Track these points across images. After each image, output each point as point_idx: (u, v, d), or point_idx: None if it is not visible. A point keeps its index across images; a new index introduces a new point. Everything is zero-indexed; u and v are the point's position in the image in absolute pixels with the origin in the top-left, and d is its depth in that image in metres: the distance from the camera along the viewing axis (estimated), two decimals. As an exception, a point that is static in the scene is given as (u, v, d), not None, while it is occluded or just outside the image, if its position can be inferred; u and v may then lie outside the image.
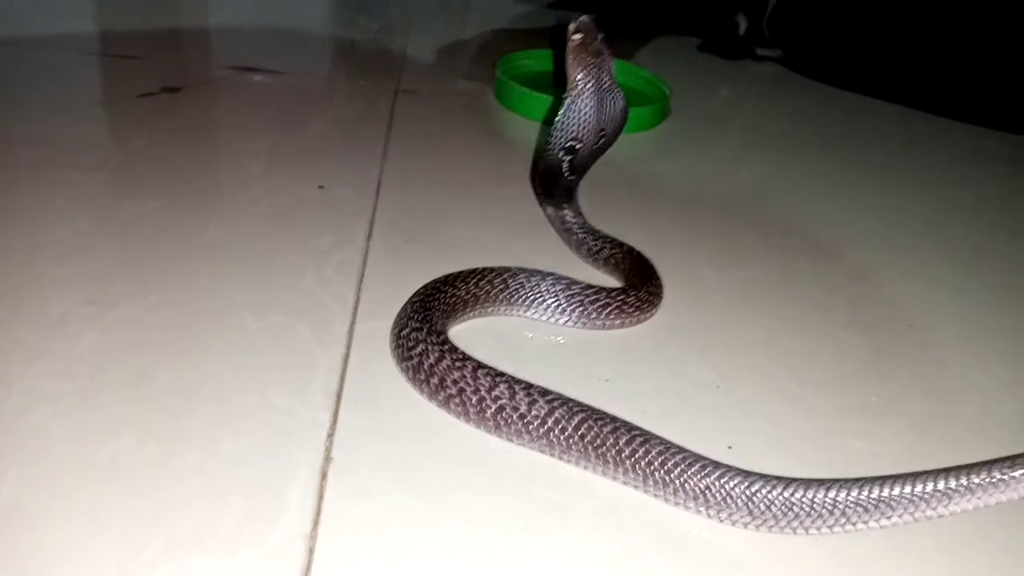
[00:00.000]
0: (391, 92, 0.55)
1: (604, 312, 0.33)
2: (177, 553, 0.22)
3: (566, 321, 0.33)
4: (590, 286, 0.33)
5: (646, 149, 0.51)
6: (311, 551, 0.22)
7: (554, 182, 0.36)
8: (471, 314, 0.32)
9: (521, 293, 0.33)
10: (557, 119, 0.35)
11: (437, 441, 0.27)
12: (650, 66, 0.59)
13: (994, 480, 0.25)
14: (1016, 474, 0.25)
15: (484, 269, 0.33)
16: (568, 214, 0.38)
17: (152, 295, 0.32)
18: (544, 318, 0.33)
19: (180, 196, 0.39)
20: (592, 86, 0.34)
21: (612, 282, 0.36)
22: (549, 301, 0.33)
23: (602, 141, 0.36)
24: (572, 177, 0.36)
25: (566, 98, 0.35)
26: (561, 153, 0.35)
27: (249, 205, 0.39)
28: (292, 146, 0.46)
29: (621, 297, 0.33)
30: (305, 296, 0.33)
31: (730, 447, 0.28)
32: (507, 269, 0.33)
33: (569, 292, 0.33)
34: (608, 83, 0.35)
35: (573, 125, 0.34)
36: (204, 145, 0.46)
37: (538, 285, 0.33)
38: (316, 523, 0.23)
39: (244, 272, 0.34)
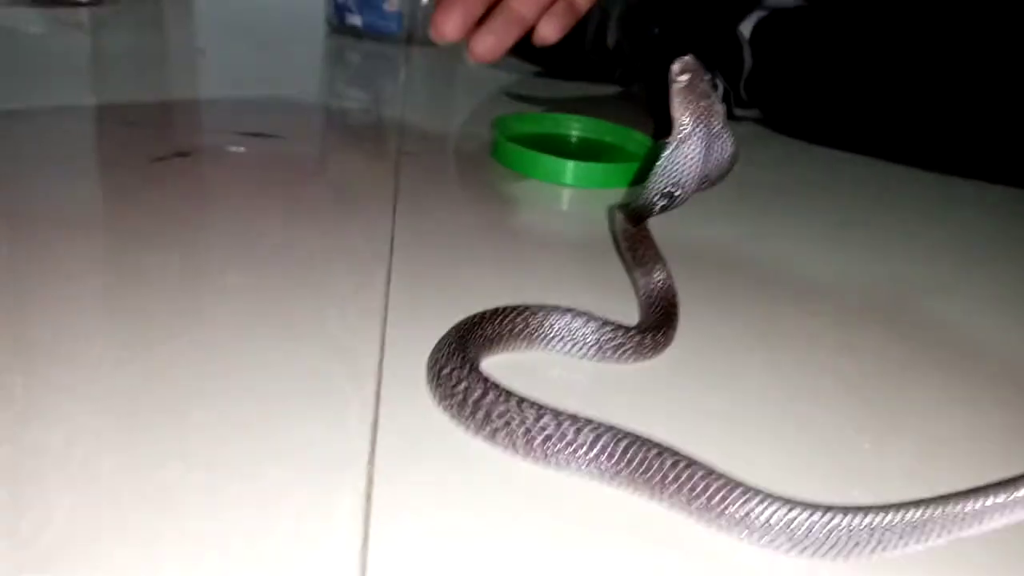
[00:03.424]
0: (393, 153, 0.57)
1: (619, 351, 0.35)
2: (233, 568, 0.23)
3: (583, 355, 0.35)
4: (606, 323, 0.35)
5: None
6: (363, 565, 0.23)
7: (640, 217, 0.35)
8: (497, 351, 0.34)
9: (541, 330, 0.34)
10: (658, 164, 0.33)
11: (475, 464, 0.28)
12: (633, 126, 0.62)
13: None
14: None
15: (506, 308, 0.34)
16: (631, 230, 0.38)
17: (182, 339, 0.33)
18: (563, 352, 0.35)
19: (199, 249, 0.41)
20: (701, 131, 0.33)
21: (631, 296, 0.38)
22: (567, 338, 0.35)
23: (704, 186, 0.34)
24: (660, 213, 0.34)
25: (670, 143, 0.33)
26: (656, 197, 0.34)
27: (267, 256, 0.41)
28: (304, 202, 0.48)
29: (637, 339, 0.35)
30: (331, 339, 0.34)
31: (748, 465, 0.29)
32: (527, 307, 0.35)
33: (585, 329, 0.35)
34: (718, 127, 0.33)
35: (676, 172, 0.33)
36: (218, 204, 0.47)
37: (557, 322, 0.35)
38: (365, 538, 0.24)
39: (269, 317, 0.35)
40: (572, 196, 0.54)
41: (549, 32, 0.58)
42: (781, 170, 0.65)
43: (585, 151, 0.61)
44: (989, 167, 0.64)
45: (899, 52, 0.65)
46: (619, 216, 0.38)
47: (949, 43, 0.63)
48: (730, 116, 0.73)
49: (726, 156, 0.34)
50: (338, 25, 0.93)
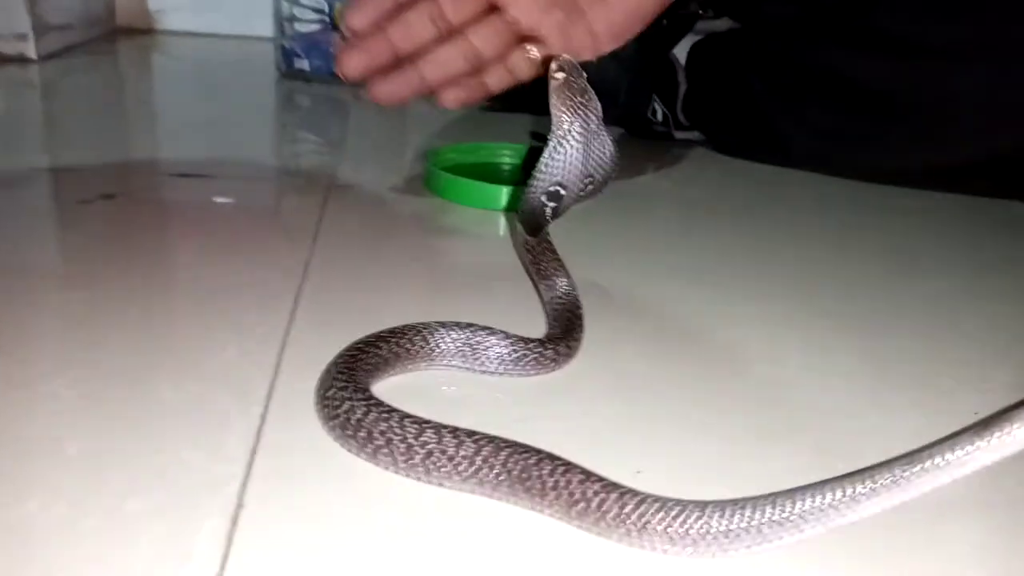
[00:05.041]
0: (324, 187, 0.57)
1: (520, 364, 0.34)
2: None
3: (484, 371, 0.34)
4: (508, 337, 0.34)
5: (581, 220, 0.53)
6: (217, 591, 0.22)
7: (535, 224, 0.34)
8: (394, 371, 0.33)
9: (440, 348, 0.34)
10: (540, 162, 0.33)
11: (355, 484, 0.27)
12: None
13: (896, 479, 0.25)
14: (914, 471, 0.25)
15: (403, 327, 0.34)
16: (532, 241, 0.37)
17: (69, 373, 0.32)
18: (464, 368, 0.34)
19: (108, 287, 0.40)
20: (579, 127, 0.33)
21: (538, 309, 0.38)
22: (467, 354, 0.34)
23: (590, 187, 0.34)
24: (553, 219, 0.34)
25: (550, 140, 0.33)
26: (544, 197, 0.33)
27: (175, 291, 0.40)
28: (222, 237, 0.47)
29: (539, 351, 0.34)
30: (225, 366, 0.33)
31: (639, 472, 0.28)
32: (426, 325, 0.34)
33: (486, 344, 0.34)
34: (596, 125, 0.33)
35: (558, 169, 0.33)
36: (134, 241, 0.47)
37: (456, 338, 0.34)
38: (223, 566, 0.23)
39: (164, 349, 0.35)
40: (505, 221, 0.53)
41: (450, 101, 0.57)
42: (716, 190, 0.66)
43: (518, 177, 0.61)
44: (926, 175, 0.64)
45: (831, 66, 0.65)
46: (519, 227, 0.37)
47: (876, 54, 0.63)
48: (670, 139, 0.74)
49: (607, 154, 0.34)
50: (287, 70, 0.94)
